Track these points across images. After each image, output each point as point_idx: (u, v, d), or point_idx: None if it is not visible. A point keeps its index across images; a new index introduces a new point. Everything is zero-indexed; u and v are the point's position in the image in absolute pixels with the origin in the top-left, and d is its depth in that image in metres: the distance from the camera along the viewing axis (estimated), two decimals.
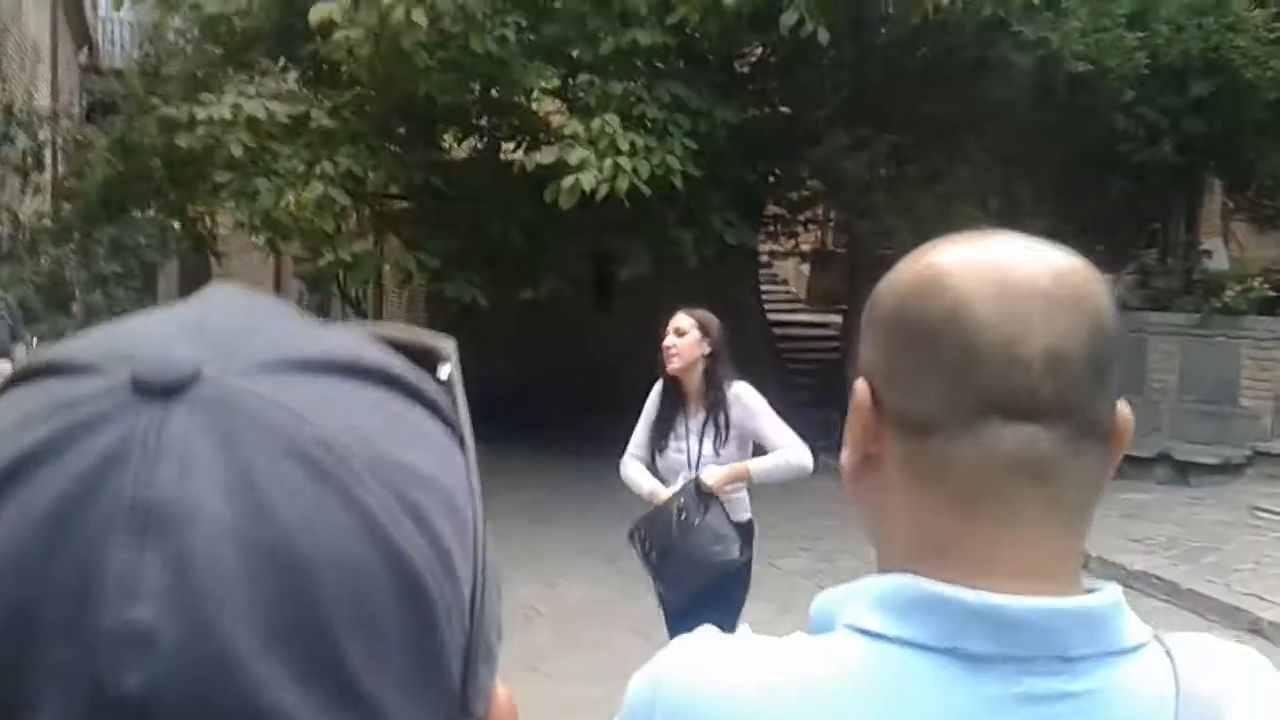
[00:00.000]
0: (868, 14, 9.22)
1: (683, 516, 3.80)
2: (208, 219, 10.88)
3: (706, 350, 3.99)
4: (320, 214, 9.13)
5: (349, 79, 10.05)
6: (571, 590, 7.32)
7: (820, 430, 8.94)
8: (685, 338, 3.98)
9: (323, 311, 20.88)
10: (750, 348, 12.36)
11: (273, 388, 0.40)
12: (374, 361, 0.45)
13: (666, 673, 0.77)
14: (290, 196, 8.90)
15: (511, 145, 11.60)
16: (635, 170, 8.01)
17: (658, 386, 4.16)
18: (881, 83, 9.75)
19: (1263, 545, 7.74)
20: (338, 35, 8.14)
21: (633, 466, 4.13)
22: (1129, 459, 7.50)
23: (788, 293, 17.09)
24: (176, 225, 10.53)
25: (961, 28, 9.07)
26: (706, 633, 0.82)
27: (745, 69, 10.77)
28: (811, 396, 10.85)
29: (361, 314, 14.71)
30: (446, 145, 11.72)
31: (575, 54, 8.91)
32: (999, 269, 0.77)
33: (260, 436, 0.39)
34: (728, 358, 4.11)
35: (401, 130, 10.06)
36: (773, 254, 13.81)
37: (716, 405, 3.97)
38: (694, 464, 3.95)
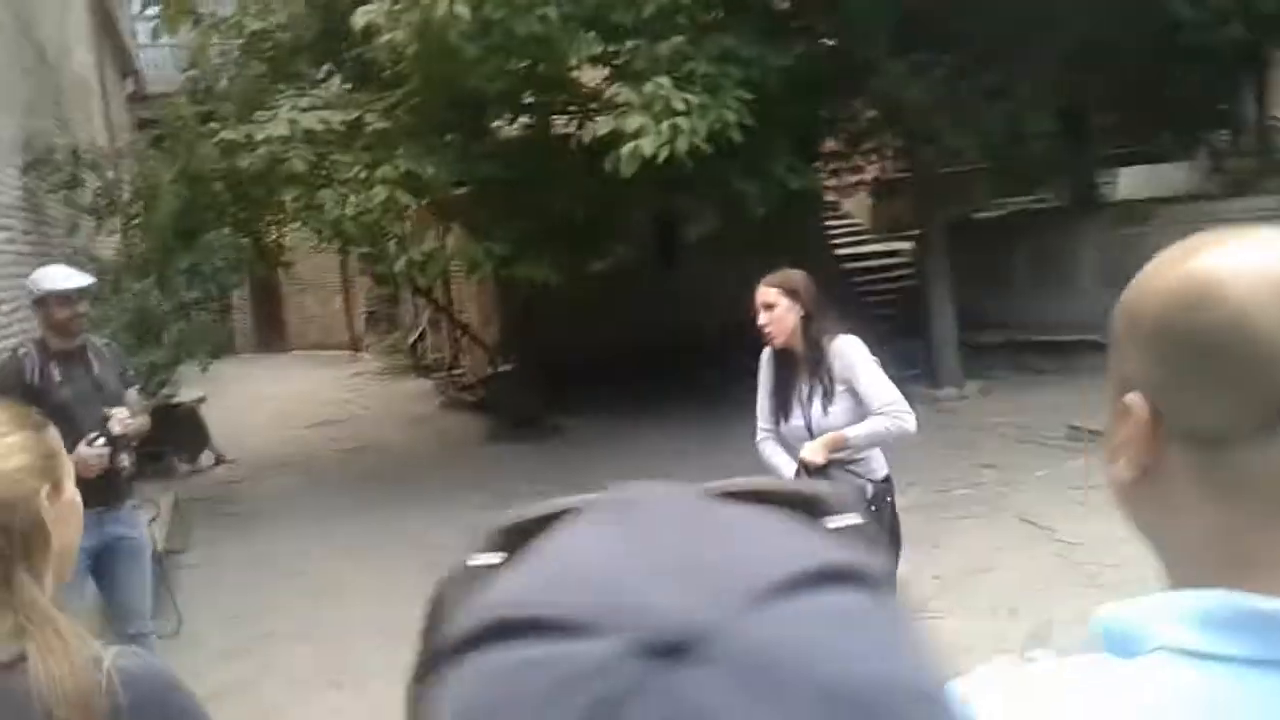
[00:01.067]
0: None
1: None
2: (275, 232, 11.04)
3: (800, 313, 3.95)
4: (386, 217, 9.23)
5: (396, 78, 10.09)
6: None
7: (906, 362, 8.91)
8: (776, 310, 3.95)
9: (392, 303, 21.15)
10: (824, 288, 12.21)
11: (780, 625, 0.38)
12: (842, 562, 0.42)
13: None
14: (353, 201, 9.00)
15: (562, 120, 11.58)
16: (693, 129, 7.94)
17: (766, 356, 4.11)
18: (933, 3, 9.52)
19: None
20: (384, 37, 8.16)
21: (768, 447, 4.09)
22: None
23: (853, 225, 16.91)
24: (246, 242, 10.70)
25: None
26: (1001, 668, 0.82)
27: (787, 5, 10.57)
28: (893, 327, 10.75)
29: (433, 303, 14.87)
30: (497, 129, 11.73)
31: (617, 20, 8.82)
32: (1274, 271, 0.75)
33: (798, 684, 0.37)
34: (824, 311, 4.05)
35: (454, 122, 10.08)
36: (837, 190, 13.65)
37: (819, 364, 3.94)
38: (811, 429, 3.92)
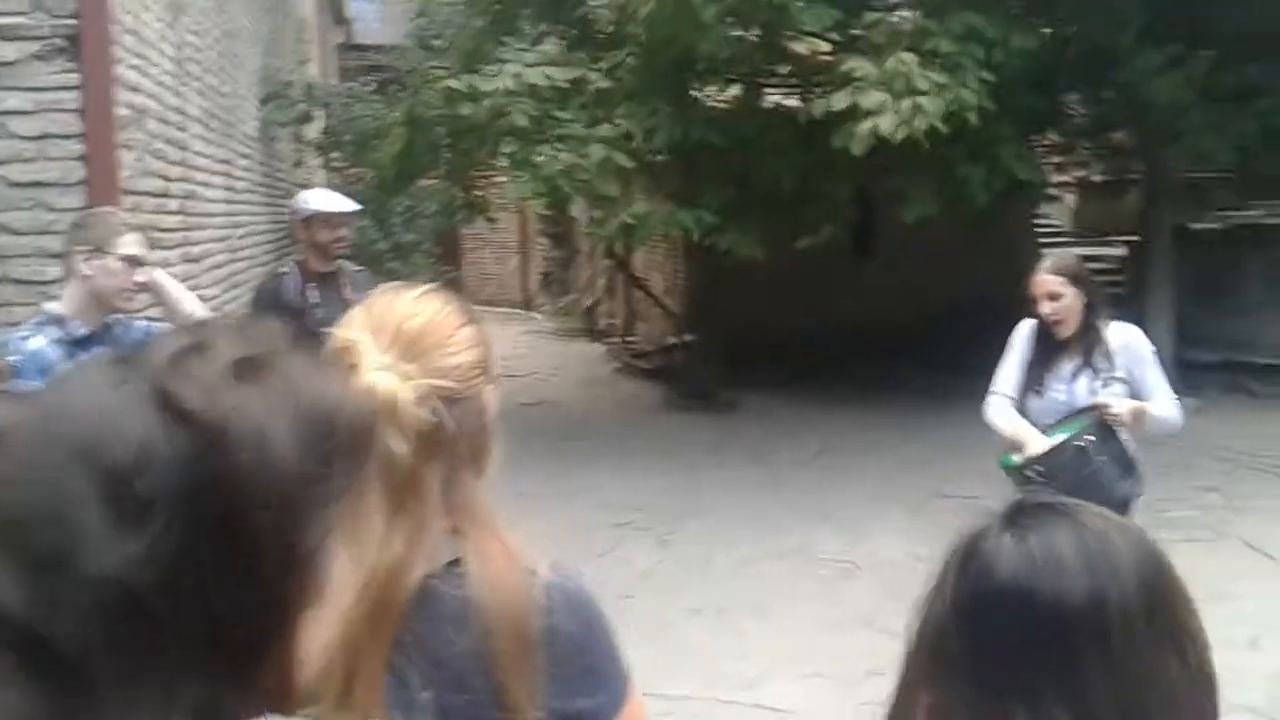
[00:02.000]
0: None
1: (1087, 450, 3.75)
2: (484, 185, 11.20)
3: (1085, 298, 3.98)
4: (601, 176, 9.23)
5: (616, 39, 10.07)
6: (884, 543, 7.16)
7: None
8: (1063, 300, 3.96)
9: (567, 266, 21.35)
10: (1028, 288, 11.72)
11: None
12: None
13: None
14: (568, 159, 9.01)
15: (777, 92, 11.38)
16: (933, 109, 7.66)
17: (1028, 326, 4.11)
18: None
19: None
20: None
21: (1003, 409, 4.08)
22: None
23: (1052, 225, 16.21)
24: (458, 191, 10.88)
25: None
26: None
27: None
28: None
29: (622, 268, 14.90)
30: (708, 96, 11.62)
31: None
32: None
33: None
34: (1102, 297, 4.12)
35: (673, 86, 10.00)
36: (1060, 185, 13.07)
37: (1093, 346, 3.96)
38: (1072, 407, 3.92)
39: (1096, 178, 13.55)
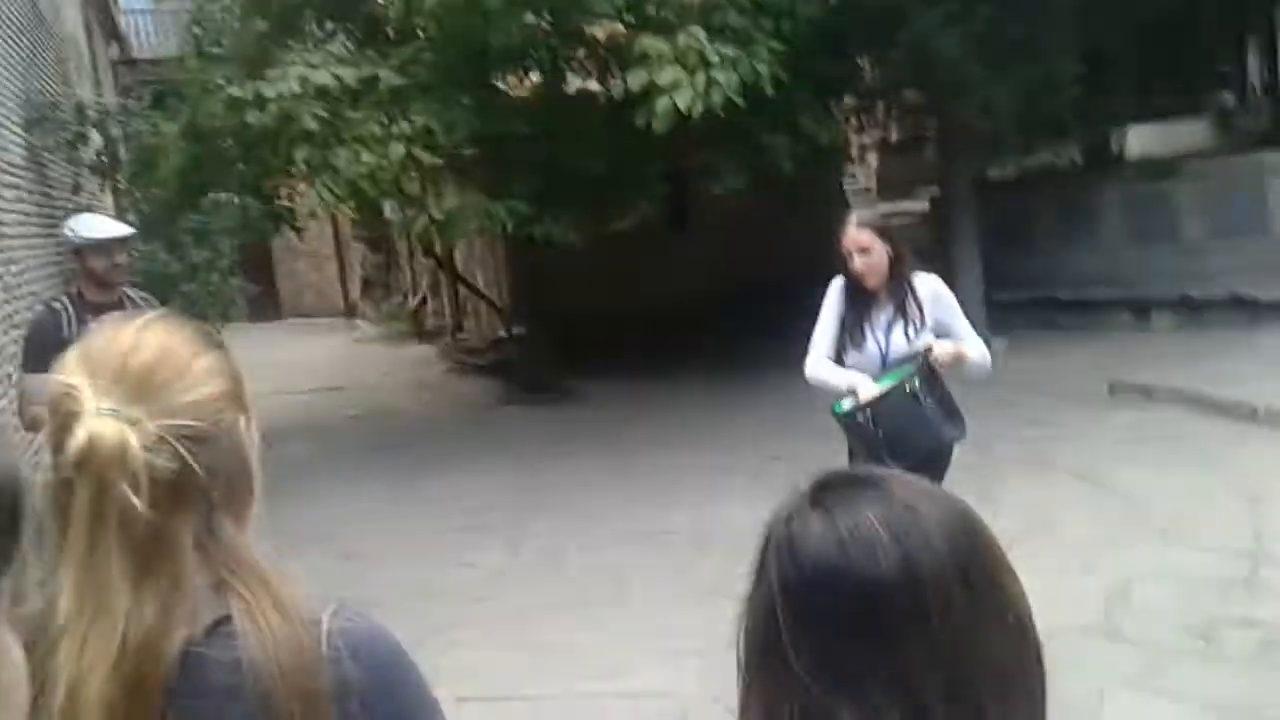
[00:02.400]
0: None
1: (916, 394, 3.85)
2: (285, 194, 10.73)
3: (892, 251, 4.08)
4: (404, 175, 8.94)
5: (405, 34, 9.77)
6: (732, 512, 7.18)
7: None
8: (873, 254, 4.05)
9: (388, 269, 20.85)
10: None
11: None
12: None
13: None
14: (370, 160, 8.71)
15: (577, 76, 11.30)
16: (727, 81, 7.69)
17: (838, 285, 4.20)
18: None
19: None
20: None
21: (825, 366, 4.15)
22: (1264, 305, 7.26)
23: (859, 187, 16.70)
24: (254, 203, 10.38)
25: None
26: None
27: None
28: None
29: (440, 266, 14.58)
30: (509, 86, 11.44)
31: None
32: None
33: None
34: (907, 249, 4.20)
35: (470, 78, 9.78)
36: (863, 146, 13.43)
37: (903, 295, 4.07)
38: (886, 356, 4.05)
39: (895, 136, 13.99)
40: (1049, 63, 9.38)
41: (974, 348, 4.06)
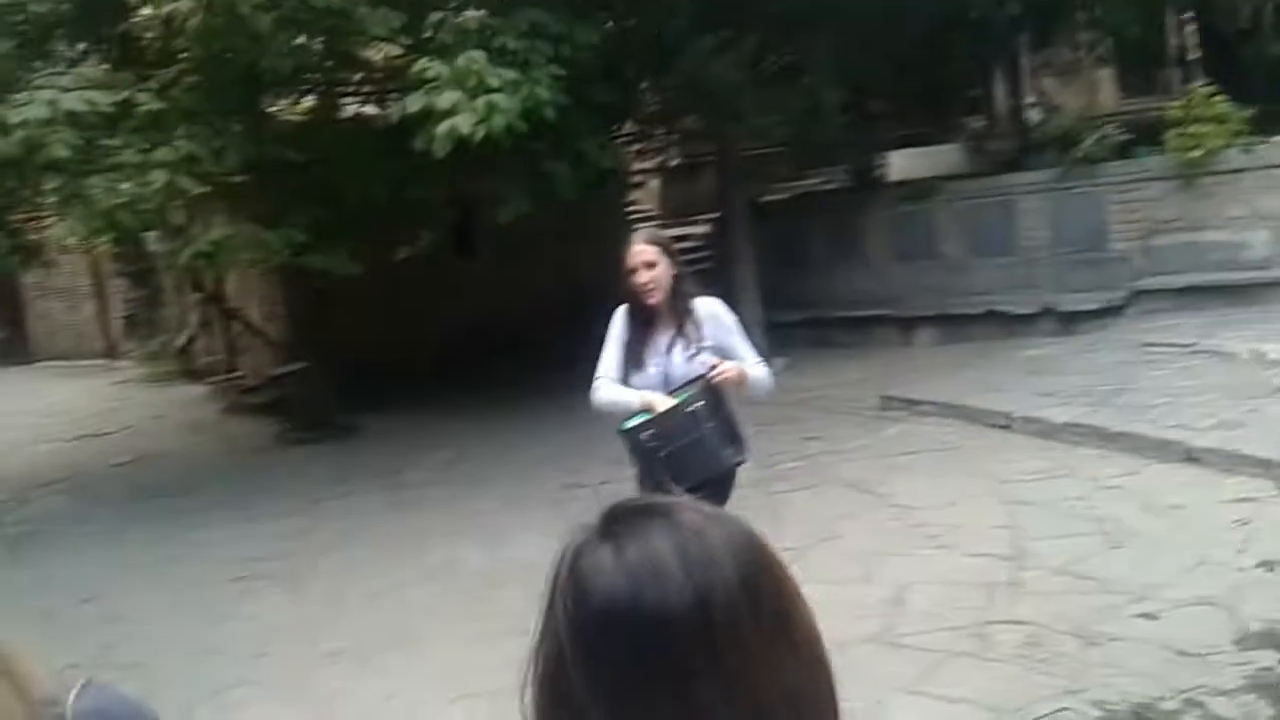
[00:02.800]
0: None
1: (697, 416, 3.87)
2: (36, 226, 9.97)
3: (674, 271, 4.12)
4: (167, 205, 8.46)
5: (167, 56, 9.27)
6: (526, 545, 7.08)
7: None
8: (657, 269, 4.08)
9: (154, 305, 19.68)
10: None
11: None
12: None
13: None
14: (128, 189, 8.21)
15: (354, 101, 11.02)
16: (508, 106, 7.64)
17: (621, 311, 4.22)
18: None
19: (1168, 377, 8.11)
20: (165, 8, 7.43)
21: (609, 387, 4.16)
22: (1016, 318, 7.82)
23: (642, 210, 16.97)
24: (3, 237, 9.59)
25: None
26: None
27: None
28: None
29: (211, 300, 13.87)
30: (280, 110, 11.04)
31: None
32: None
33: None
34: (687, 270, 4.27)
35: (238, 102, 9.37)
36: (645, 172, 13.64)
37: (684, 318, 4.11)
38: (668, 378, 4.07)
39: (675, 162, 14.31)
40: (816, 92, 9.80)
41: (754, 368, 4.12)
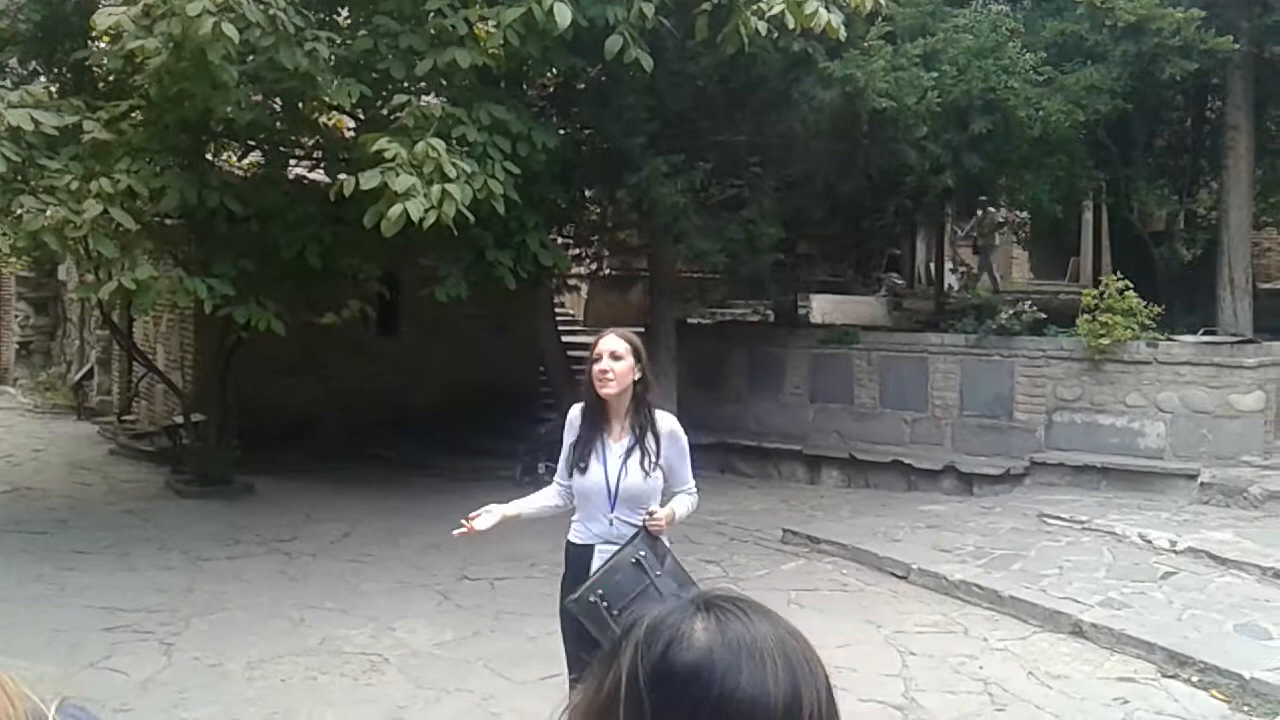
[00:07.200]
0: (681, 43, 9.32)
1: (643, 565, 3.78)
2: None
3: (638, 375, 4.03)
4: (97, 235, 8.29)
5: (119, 89, 9.21)
6: (412, 631, 6.93)
7: None
8: (622, 362, 4.00)
9: (50, 335, 19.05)
10: (549, 367, 12.35)
11: None
12: None
13: None
14: (60, 215, 8.03)
15: (302, 162, 11.02)
16: (461, 196, 7.71)
17: (576, 409, 4.14)
18: (690, 111, 9.93)
19: (1060, 550, 8.36)
20: (130, 44, 7.40)
21: (526, 500, 4.21)
22: (920, 472, 8.08)
23: (565, 314, 17.11)
24: None
25: (770, 62, 9.36)
26: None
27: (552, 90, 10.69)
28: None
29: (120, 339, 13.49)
30: (226, 161, 10.99)
31: (389, 70, 8.52)
32: None
33: None
34: (652, 381, 4.16)
35: (186, 145, 9.31)
36: (574, 276, 13.78)
37: (644, 429, 4.02)
38: (615, 486, 3.98)
39: (606, 271, 14.51)
40: (755, 224, 10.12)
41: (688, 498, 4.11)
